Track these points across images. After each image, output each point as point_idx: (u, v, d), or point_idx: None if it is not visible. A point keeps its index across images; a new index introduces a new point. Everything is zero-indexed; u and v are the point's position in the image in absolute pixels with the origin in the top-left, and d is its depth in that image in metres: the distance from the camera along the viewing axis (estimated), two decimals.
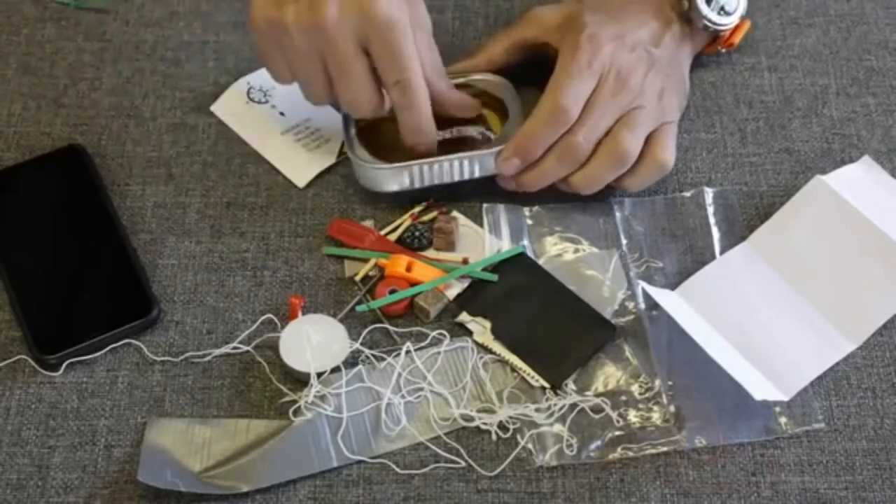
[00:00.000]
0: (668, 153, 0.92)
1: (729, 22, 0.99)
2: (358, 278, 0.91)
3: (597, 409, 0.86)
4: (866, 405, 0.86)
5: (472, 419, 0.85)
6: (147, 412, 0.86)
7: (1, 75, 1.03)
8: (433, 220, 0.94)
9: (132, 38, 1.05)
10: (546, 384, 0.86)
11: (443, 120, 0.93)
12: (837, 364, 0.88)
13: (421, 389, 0.86)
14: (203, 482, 0.82)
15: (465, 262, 0.92)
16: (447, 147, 0.94)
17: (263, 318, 0.90)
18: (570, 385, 0.87)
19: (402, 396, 0.86)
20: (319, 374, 0.85)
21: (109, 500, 0.82)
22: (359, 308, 0.89)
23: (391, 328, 0.89)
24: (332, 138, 0.98)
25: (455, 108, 0.94)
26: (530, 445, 0.84)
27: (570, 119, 0.90)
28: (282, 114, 1.00)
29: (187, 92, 1.02)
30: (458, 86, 0.97)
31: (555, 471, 0.84)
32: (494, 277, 0.91)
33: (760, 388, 0.85)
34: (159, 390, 0.87)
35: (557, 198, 0.94)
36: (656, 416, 0.85)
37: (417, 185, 0.93)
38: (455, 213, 0.94)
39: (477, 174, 0.93)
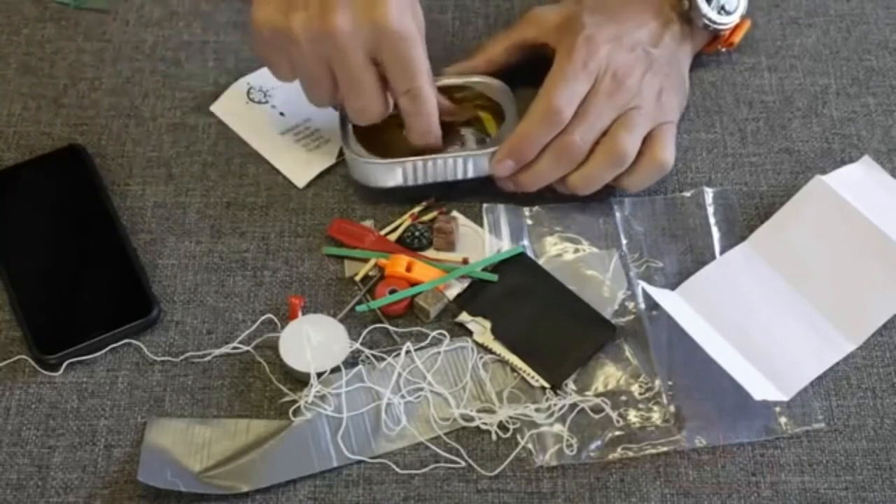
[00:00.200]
0: (666, 153, 0.92)
1: (729, 21, 0.99)
2: (358, 278, 0.91)
3: (597, 409, 0.86)
4: (866, 405, 0.86)
5: (472, 419, 0.85)
6: (147, 412, 0.86)
7: (1, 75, 1.03)
8: (433, 220, 0.94)
9: (132, 38, 1.05)
10: (546, 384, 0.86)
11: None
12: (837, 364, 0.88)
13: (421, 389, 0.86)
14: (203, 482, 0.82)
15: (465, 262, 0.92)
16: (445, 147, 0.94)
17: (263, 318, 0.90)
18: (570, 385, 0.87)
19: (402, 396, 0.86)
20: (319, 374, 0.85)
21: (109, 500, 0.82)
22: (359, 308, 0.89)
23: (391, 328, 0.89)
24: (331, 139, 0.98)
25: (443, 114, 0.94)
26: (530, 445, 0.84)
27: (564, 120, 0.90)
28: (282, 114, 1.00)
29: (187, 92, 1.02)
30: (455, 88, 0.97)
31: (555, 471, 0.84)
32: (494, 277, 0.91)
33: (760, 388, 0.85)
34: (159, 390, 0.87)
35: (557, 198, 0.95)
36: (656, 416, 0.85)
37: (411, 181, 0.93)
38: (455, 213, 0.94)
39: (471, 174, 0.93)
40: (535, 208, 0.95)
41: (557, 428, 0.85)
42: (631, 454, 0.84)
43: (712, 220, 0.94)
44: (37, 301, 0.90)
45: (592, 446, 0.84)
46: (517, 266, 0.92)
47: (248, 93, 1.01)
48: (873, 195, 0.94)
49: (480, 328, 0.89)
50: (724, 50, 1.02)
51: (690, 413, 0.85)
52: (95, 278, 0.92)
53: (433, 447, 0.84)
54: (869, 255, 0.90)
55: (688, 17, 0.98)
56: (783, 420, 0.85)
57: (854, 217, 0.92)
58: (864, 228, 0.91)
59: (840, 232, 0.92)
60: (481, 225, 0.94)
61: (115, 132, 1.00)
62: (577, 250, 0.93)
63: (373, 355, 0.87)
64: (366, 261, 0.92)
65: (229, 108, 1.01)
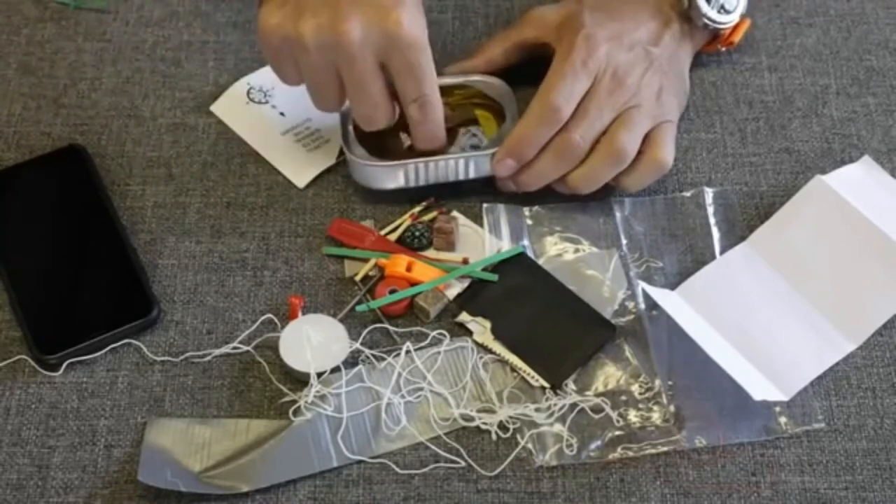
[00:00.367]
0: (666, 152, 0.92)
1: (729, 20, 0.99)
2: (358, 278, 0.91)
3: (597, 409, 0.86)
4: (866, 405, 0.86)
5: (472, 419, 0.85)
6: (147, 412, 0.86)
7: (1, 75, 1.03)
8: (433, 220, 0.94)
9: (132, 38, 1.05)
10: (546, 384, 0.86)
11: None
12: (837, 364, 0.88)
13: (421, 389, 0.86)
14: (203, 482, 0.82)
15: (465, 262, 0.92)
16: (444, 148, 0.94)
17: (263, 318, 0.90)
18: (570, 385, 0.87)
19: (402, 396, 0.86)
20: (319, 374, 0.85)
21: (109, 500, 0.82)
22: (359, 308, 0.89)
23: (391, 328, 0.89)
24: (331, 139, 0.98)
25: None
26: (530, 445, 0.84)
27: (562, 118, 0.90)
28: (282, 114, 1.00)
29: (187, 92, 1.02)
30: (455, 87, 0.97)
31: (555, 471, 0.84)
32: (494, 277, 0.91)
33: (760, 388, 0.85)
34: (159, 390, 0.87)
35: (557, 198, 0.95)
36: (656, 416, 0.85)
37: (413, 183, 0.93)
38: (455, 213, 0.94)
39: (472, 174, 0.94)
40: (535, 208, 0.95)
41: (557, 428, 0.85)
42: (631, 454, 0.84)
43: (712, 220, 0.94)
44: (37, 301, 0.90)
45: (592, 446, 0.84)
46: (517, 266, 0.92)
47: (248, 93, 1.01)
48: (873, 195, 0.94)
49: (480, 328, 0.89)
50: (724, 49, 1.02)
51: (690, 413, 0.85)
52: (95, 278, 0.92)
53: (433, 447, 0.84)
54: (869, 255, 0.90)
55: (687, 16, 0.98)
56: (783, 420, 0.85)
57: (854, 217, 0.92)
58: (864, 228, 0.91)
59: (840, 232, 0.92)
60: (481, 225, 0.94)
61: (115, 132, 1.00)
62: (577, 250, 0.93)
63: (373, 355, 0.87)
64: (366, 261, 0.92)
65: (229, 108, 1.01)
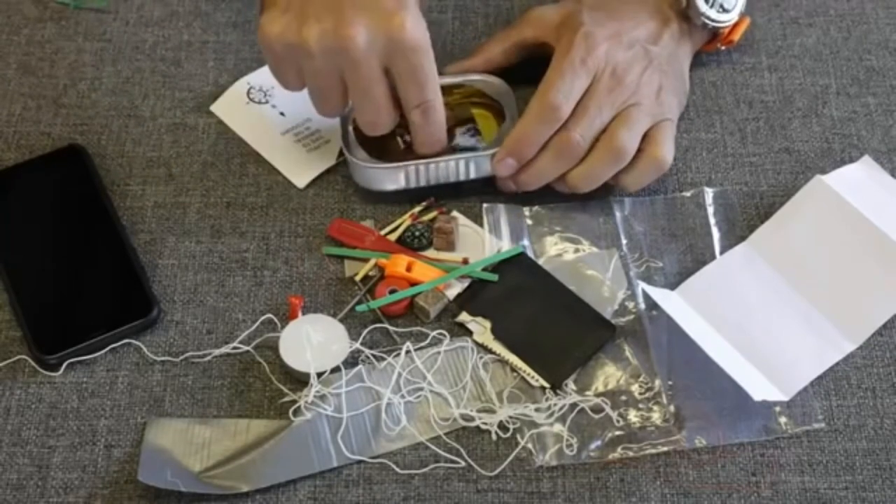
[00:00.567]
0: (665, 150, 0.92)
1: (727, 19, 0.99)
2: (358, 278, 0.91)
3: (597, 409, 0.86)
4: (866, 405, 0.86)
5: (472, 419, 0.85)
6: (147, 412, 0.86)
7: (1, 75, 1.03)
8: (433, 220, 0.94)
9: (132, 38, 1.05)
10: (546, 384, 0.86)
11: None
12: (837, 364, 0.88)
13: (421, 389, 0.86)
14: (203, 482, 0.82)
15: (465, 262, 0.92)
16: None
17: (263, 318, 0.90)
18: (570, 385, 0.87)
19: (402, 396, 0.86)
20: (319, 374, 0.85)
21: (109, 500, 0.82)
22: (359, 308, 0.89)
23: (391, 328, 0.89)
24: (331, 139, 0.98)
25: None
26: (530, 445, 0.84)
27: (561, 117, 0.90)
28: (282, 114, 1.00)
29: (187, 92, 1.02)
30: (454, 86, 0.97)
31: (555, 471, 0.84)
32: (494, 277, 0.91)
33: (760, 388, 0.85)
34: (159, 390, 0.87)
35: (557, 198, 0.95)
36: (656, 416, 0.85)
37: (414, 184, 0.93)
38: (455, 213, 0.94)
39: (473, 175, 0.94)
40: (535, 208, 0.95)
41: (557, 428, 0.85)
42: (631, 454, 0.84)
43: (712, 220, 0.94)
44: (37, 301, 0.90)
45: (592, 446, 0.84)
46: (517, 266, 0.92)
47: (248, 93, 1.01)
48: (873, 195, 0.94)
49: (480, 328, 0.89)
50: (723, 48, 1.02)
51: (690, 413, 0.85)
52: (95, 278, 0.92)
53: (433, 447, 0.84)
54: (869, 255, 0.90)
55: (686, 15, 0.98)
56: (783, 420, 0.85)
57: (854, 217, 0.92)
58: (864, 228, 0.91)
59: (840, 232, 0.92)
60: (481, 225, 0.94)
61: (115, 132, 1.00)
62: (577, 250, 0.93)
63: (373, 355, 0.87)
64: (366, 261, 0.92)
65: (229, 108, 1.01)
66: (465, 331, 0.89)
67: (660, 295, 0.88)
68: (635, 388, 0.87)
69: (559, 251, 0.93)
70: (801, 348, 0.88)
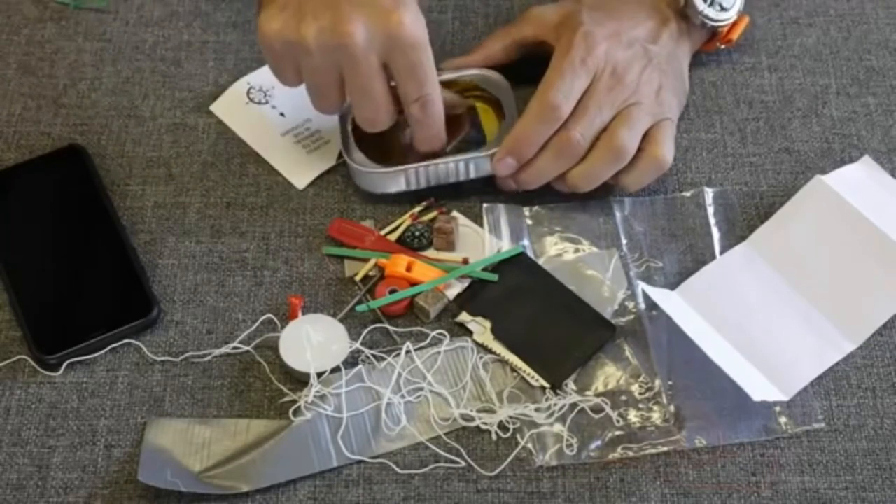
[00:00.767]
0: (665, 149, 0.92)
1: (726, 18, 0.99)
2: (358, 278, 0.91)
3: (597, 409, 0.86)
4: (866, 405, 0.86)
5: (472, 419, 0.85)
6: (147, 412, 0.86)
7: (1, 75, 1.03)
8: (433, 220, 0.94)
9: (132, 38, 1.05)
10: (546, 384, 0.86)
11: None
12: (837, 364, 0.88)
13: (421, 389, 0.86)
14: (203, 482, 0.82)
15: (465, 262, 0.92)
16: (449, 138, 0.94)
17: (263, 318, 0.90)
18: (570, 385, 0.87)
19: (402, 396, 0.86)
20: (319, 374, 0.85)
21: (109, 500, 0.82)
22: (359, 308, 0.89)
23: (391, 328, 0.89)
24: (331, 140, 0.98)
25: (447, 107, 0.94)
26: (530, 445, 0.84)
27: (561, 116, 0.90)
28: (282, 114, 1.00)
29: (187, 92, 1.02)
30: (453, 81, 0.97)
31: (555, 471, 0.84)
32: (494, 277, 0.91)
33: (760, 388, 0.85)
34: (159, 390, 0.87)
35: (557, 197, 0.95)
36: (656, 416, 0.85)
37: (414, 186, 0.93)
38: (455, 213, 0.94)
39: (473, 175, 0.94)
40: (535, 208, 0.95)
41: (557, 428, 0.85)
42: (631, 454, 0.84)
43: (712, 220, 0.94)
44: (37, 301, 0.90)
45: (592, 446, 0.84)
46: (517, 266, 0.92)
47: (248, 93, 1.01)
48: (873, 195, 0.94)
49: (480, 328, 0.89)
50: (723, 47, 1.02)
51: (690, 413, 0.85)
52: (95, 278, 0.92)
53: (433, 447, 0.84)
54: (869, 255, 0.90)
55: (685, 14, 0.98)
56: (783, 420, 0.85)
57: (854, 217, 0.92)
58: (864, 228, 0.91)
59: (840, 232, 0.92)
60: (481, 225, 0.94)
61: (115, 132, 1.00)
62: (577, 250, 0.93)
63: (373, 355, 0.87)
64: (366, 261, 0.92)
65: (229, 108, 1.01)
66: (465, 331, 0.89)
67: (659, 295, 0.88)
68: (635, 388, 0.87)
69: (559, 251, 0.93)
70: (801, 348, 0.88)
